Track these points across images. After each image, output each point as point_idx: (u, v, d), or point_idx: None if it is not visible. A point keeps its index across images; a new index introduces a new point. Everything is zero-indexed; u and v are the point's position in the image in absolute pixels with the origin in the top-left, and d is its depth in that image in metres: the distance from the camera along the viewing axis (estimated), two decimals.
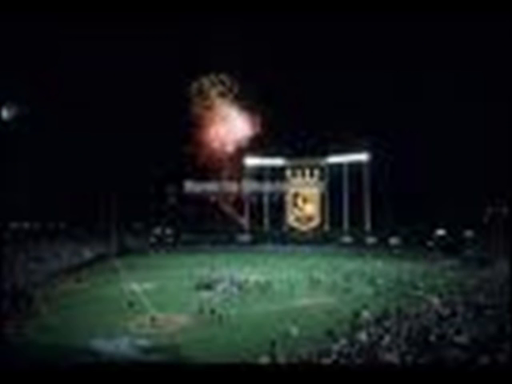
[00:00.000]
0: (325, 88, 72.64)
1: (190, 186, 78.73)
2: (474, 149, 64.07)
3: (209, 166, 72.02)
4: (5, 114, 43.97)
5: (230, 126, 71.75)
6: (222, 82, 66.57)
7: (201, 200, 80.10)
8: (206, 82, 66.57)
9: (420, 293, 37.07)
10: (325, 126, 71.88)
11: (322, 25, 66.13)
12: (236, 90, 66.37)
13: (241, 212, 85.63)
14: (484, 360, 13.68)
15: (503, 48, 40.37)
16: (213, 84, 66.67)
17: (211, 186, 78.62)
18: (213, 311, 31.50)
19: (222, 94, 67.22)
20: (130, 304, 34.31)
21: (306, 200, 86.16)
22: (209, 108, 68.25)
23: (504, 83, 42.16)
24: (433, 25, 57.48)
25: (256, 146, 76.09)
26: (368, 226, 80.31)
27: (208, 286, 41.82)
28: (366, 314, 28.14)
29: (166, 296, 38.49)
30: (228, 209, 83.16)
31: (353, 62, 72.95)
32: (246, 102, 67.36)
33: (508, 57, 36.31)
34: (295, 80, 70.90)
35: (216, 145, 71.11)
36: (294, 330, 25.83)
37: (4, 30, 45.03)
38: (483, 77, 59.10)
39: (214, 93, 67.06)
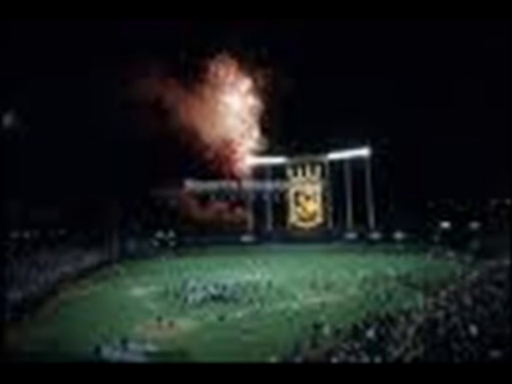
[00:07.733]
0: (325, 91, 72.10)
1: (190, 185, 78.24)
2: (476, 143, 63.45)
3: (210, 166, 72.11)
4: (6, 121, 43.70)
5: (230, 124, 72.02)
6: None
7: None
8: None
9: (426, 286, 36.66)
10: (325, 122, 71.52)
11: (321, 24, 65.54)
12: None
13: (243, 212, 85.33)
14: (495, 354, 13.33)
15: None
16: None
17: (212, 185, 78.18)
18: (220, 314, 31.05)
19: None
20: (133, 309, 33.95)
21: (308, 198, 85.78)
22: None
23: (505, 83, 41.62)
24: (432, 31, 57.87)
25: (256, 145, 75.97)
26: (372, 222, 79.85)
27: (213, 289, 41.25)
28: (374, 310, 27.70)
29: (170, 300, 37.92)
30: (230, 215, 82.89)
31: (352, 64, 72.10)
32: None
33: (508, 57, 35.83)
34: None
35: (217, 144, 71.22)
36: (306, 330, 25.33)
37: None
38: (483, 77, 58.70)
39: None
